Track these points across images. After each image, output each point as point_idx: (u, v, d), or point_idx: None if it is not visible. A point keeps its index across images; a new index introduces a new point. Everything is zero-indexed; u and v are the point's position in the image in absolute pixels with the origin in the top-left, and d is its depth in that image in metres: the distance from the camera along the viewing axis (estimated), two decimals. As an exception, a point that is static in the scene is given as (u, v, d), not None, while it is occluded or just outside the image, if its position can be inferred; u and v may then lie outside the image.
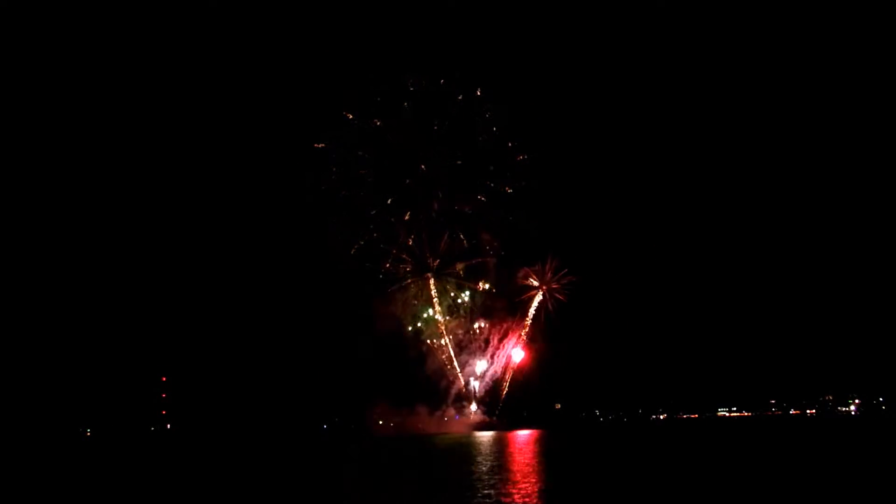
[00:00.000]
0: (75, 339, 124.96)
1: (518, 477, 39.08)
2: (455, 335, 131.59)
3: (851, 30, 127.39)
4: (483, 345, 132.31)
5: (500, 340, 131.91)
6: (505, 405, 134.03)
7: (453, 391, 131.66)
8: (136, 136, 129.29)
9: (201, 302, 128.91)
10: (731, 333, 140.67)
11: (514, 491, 32.88)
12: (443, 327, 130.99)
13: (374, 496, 35.73)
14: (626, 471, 44.06)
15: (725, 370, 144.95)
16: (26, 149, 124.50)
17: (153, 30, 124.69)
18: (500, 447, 72.69)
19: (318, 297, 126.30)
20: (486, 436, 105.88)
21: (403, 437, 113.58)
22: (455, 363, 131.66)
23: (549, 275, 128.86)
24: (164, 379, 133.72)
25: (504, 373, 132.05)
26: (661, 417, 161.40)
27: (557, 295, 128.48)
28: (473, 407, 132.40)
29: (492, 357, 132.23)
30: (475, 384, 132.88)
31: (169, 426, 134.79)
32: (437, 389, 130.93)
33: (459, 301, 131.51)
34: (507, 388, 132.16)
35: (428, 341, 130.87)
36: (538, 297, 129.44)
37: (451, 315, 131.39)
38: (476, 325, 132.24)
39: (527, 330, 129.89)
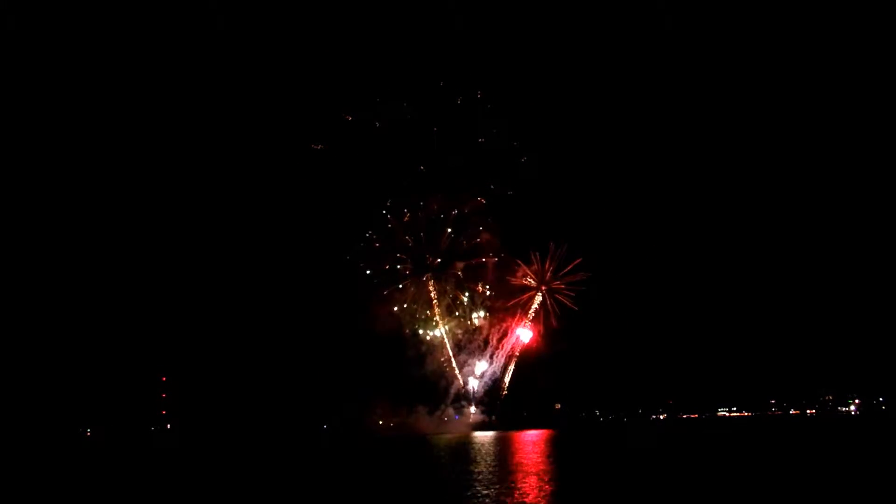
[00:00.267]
0: (75, 340, 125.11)
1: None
2: (454, 335, 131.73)
3: (853, 29, 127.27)
4: (482, 345, 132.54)
5: (500, 340, 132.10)
6: (505, 405, 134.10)
7: (452, 391, 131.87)
8: (138, 138, 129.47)
9: (201, 302, 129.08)
10: (731, 333, 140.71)
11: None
12: (442, 327, 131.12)
13: (374, 496, 35.81)
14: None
15: (725, 370, 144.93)
16: (26, 149, 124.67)
17: (153, 32, 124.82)
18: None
19: (317, 298, 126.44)
20: (486, 436, 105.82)
21: (403, 437, 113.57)
22: (454, 363, 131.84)
23: (548, 275, 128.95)
24: (164, 379, 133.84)
25: (508, 361, 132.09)
26: (661, 417, 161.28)
27: (558, 296, 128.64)
28: (472, 408, 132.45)
29: (491, 357, 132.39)
30: (474, 384, 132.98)
31: (169, 426, 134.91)
32: (436, 390, 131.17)
33: (458, 301, 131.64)
34: (511, 374, 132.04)
35: (427, 341, 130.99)
36: (538, 299, 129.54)
37: (450, 315, 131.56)
38: (475, 325, 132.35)
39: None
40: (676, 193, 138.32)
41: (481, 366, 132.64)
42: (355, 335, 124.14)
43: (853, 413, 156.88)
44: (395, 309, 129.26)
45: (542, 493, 33.15)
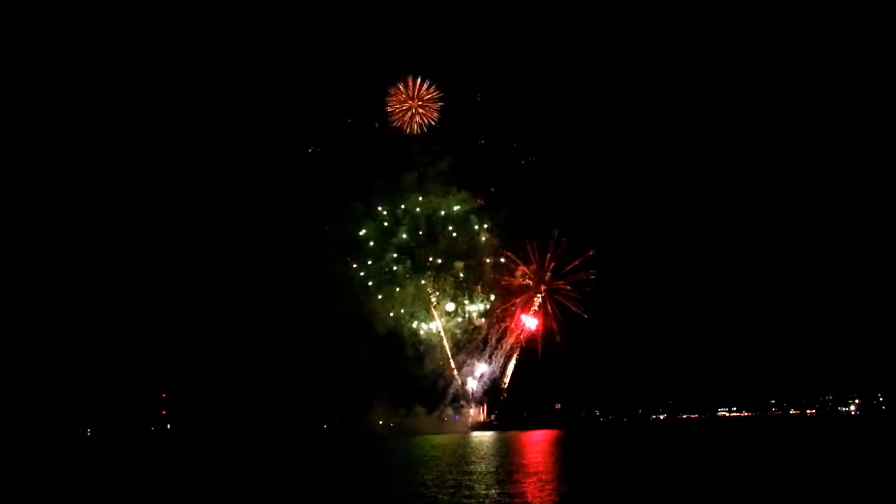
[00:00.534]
0: (76, 340, 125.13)
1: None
2: (453, 335, 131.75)
3: (854, 28, 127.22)
4: (481, 345, 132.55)
5: (499, 340, 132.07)
6: (504, 405, 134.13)
7: (451, 391, 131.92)
8: (139, 144, 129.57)
9: (201, 302, 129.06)
10: (732, 333, 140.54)
11: None
12: (441, 327, 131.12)
13: (374, 496, 35.82)
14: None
15: (725, 370, 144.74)
16: (26, 151, 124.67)
17: (153, 32, 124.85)
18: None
19: (317, 298, 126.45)
20: (486, 436, 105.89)
21: (403, 436, 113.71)
22: (453, 363, 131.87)
23: (547, 275, 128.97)
24: (163, 379, 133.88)
25: (508, 361, 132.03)
26: (661, 417, 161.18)
27: (559, 297, 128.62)
28: (472, 408, 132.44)
29: (490, 357, 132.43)
30: (473, 384, 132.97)
31: (169, 426, 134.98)
32: (435, 390, 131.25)
33: (458, 301, 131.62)
34: (511, 374, 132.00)
35: (426, 341, 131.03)
36: (538, 300, 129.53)
37: (449, 315, 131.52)
38: (474, 325, 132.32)
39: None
40: (676, 193, 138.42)
41: (480, 366, 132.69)
42: (355, 335, 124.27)
43: (853, 413, 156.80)
44: (395, 309, 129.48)
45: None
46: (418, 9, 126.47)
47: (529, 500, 31.13)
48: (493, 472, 43.95)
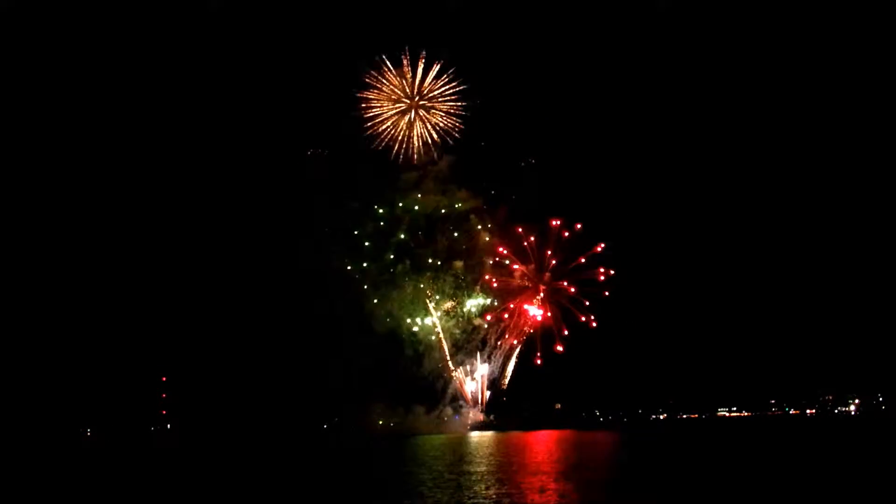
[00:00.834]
0: (75, 340, 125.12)
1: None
2: (452, 335, 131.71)
3: (854, 26, 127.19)
4: (480, 345, 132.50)
5: (498, 340, 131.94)
6: (504, 405, 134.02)
7: (450, 391, 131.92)
8: (137, 139, 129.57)
9: (201, 302, 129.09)
10: (732, 334, 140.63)
11: None
12: (440, 327, 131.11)
13: (373, 496, 35.80)
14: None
15: (725, 370, 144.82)
16: (25, 150, 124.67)
17: (152, 32, 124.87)
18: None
19: (316, 297, 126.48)
20: (485, 436, 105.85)
21: (403, 436, 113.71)
22: (451, 363, 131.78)
23: (547, 275, 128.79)
24: (164, 379, 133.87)
25: (507, 360, 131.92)
26: (661, 417, 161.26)
27: (560, 298, 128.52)
28: (471, 407, 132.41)
29: (489, 357, 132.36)
30: (472, 384, 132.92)
31: (169, 426, 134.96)
32: (434, 389, 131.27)
33: (457, 301, 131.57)
34: (511, 374, 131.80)
35: (424, 341, 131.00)
36: (537, 301, 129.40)
37: (448, 315, 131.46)
38: (473, 324, 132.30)
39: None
40: (675, 193, 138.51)
41: (480, 366, 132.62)
42: (354, 335, 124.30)
43: (853, 413, 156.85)
44: (393, 309, 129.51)
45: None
46: (418, 8, 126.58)
47: (529, 500, 31.11)
48: (494, 472, 43.95)
